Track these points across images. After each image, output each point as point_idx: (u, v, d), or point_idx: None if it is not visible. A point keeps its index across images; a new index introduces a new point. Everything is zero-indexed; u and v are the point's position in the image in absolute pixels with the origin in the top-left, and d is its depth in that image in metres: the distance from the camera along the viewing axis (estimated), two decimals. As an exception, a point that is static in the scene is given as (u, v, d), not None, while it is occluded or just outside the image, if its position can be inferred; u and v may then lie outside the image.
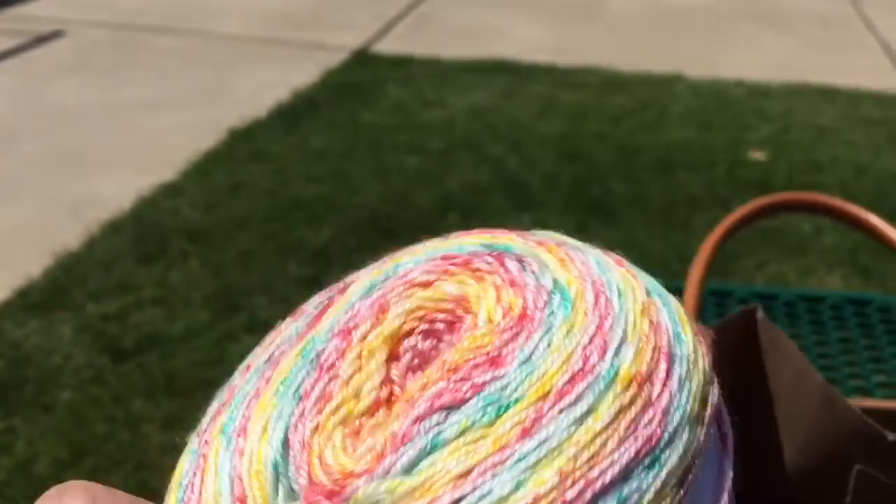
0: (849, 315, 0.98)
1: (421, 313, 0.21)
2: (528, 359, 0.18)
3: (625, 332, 0.19)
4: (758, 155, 2.80)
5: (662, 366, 0.19)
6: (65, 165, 2.66)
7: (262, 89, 3.23)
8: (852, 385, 0.86)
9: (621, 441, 0.17)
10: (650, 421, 0.18)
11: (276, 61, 3.54)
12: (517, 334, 0.19)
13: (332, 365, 0.20)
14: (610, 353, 0.18)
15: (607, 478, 0.17)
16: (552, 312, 0.19)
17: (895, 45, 3.92)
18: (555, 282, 0.21)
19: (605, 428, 0.17)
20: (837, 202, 0.79)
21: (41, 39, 3.61)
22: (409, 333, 0.20)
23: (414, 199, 2.44)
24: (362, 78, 3.31)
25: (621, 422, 0.17)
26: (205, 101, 3.13)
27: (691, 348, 0.20)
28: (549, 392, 0.17)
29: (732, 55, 3.75)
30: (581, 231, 2.31)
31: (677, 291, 0.94)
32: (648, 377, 0.18)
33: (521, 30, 4.00)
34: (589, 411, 0.17)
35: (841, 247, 2.26)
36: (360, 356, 0.20)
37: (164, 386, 1.75)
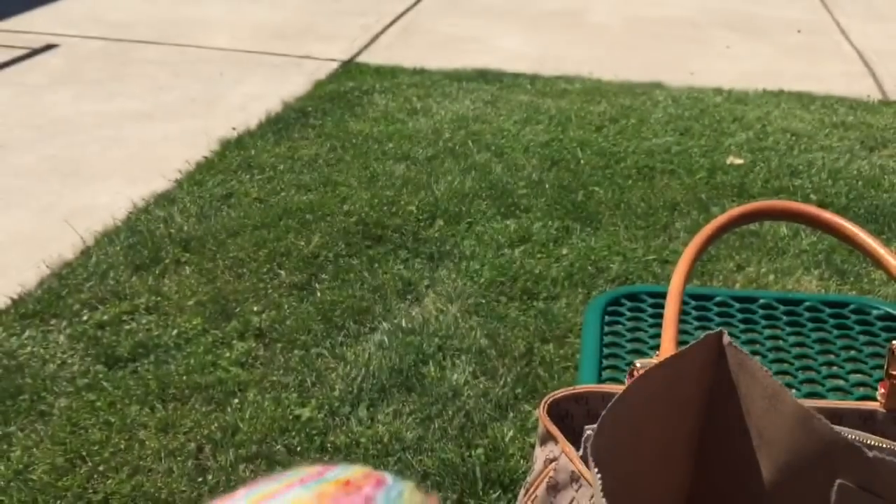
0: (826, 317, 1.01)
1: None
2: None
3: None
4: (736, 160, 2.87)
5: None
6: (58, 176, 2.70)
7: (251, 100, 3.27)
8: (830, 384, 0.88)
9: None
10: None
11: (266, 72, 3.59)
12: None
13: None
14: None
15: None
16: None
17: (868, 51, 4.02)
18: None
19: None
20: (813, 210, 0.83)
21: (34, 52, 3.64)
22: None
23: (402, 206, 2.48)
24: (351, 88, 3.36)
25: None
26: (196, 112, 3.17)
27: None
28: None
29: (710, 63, 3.83)
30: (565, 235, 2.37)
31: (660, 295, 1.00)
32: None
33: (504, 40, 4.07)
34: None
35: (818, 248, 2.32)
36: None
37: (159, 392, 1.77)
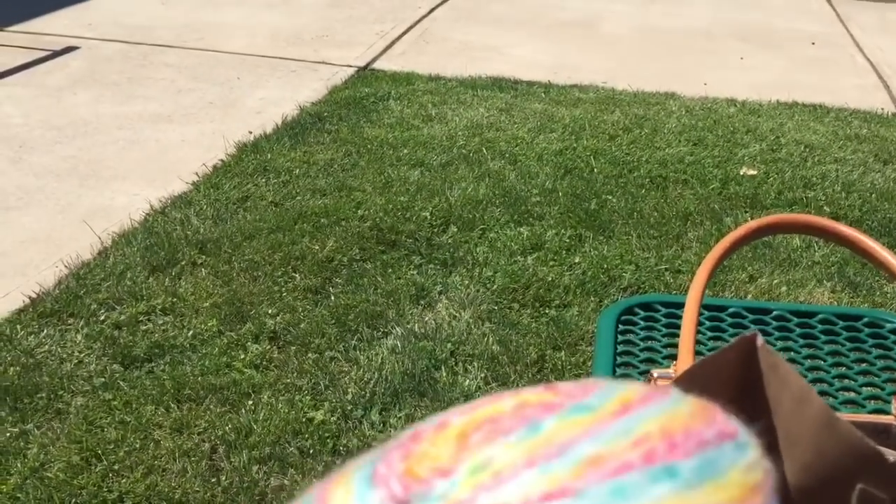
0: (839, 329, 1.01)
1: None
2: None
3: None
4: (749, 171, 2.87)
5: None
6: (77, 177, 2.73)
7: (268, 104, 3.30)
8: (843, 398, 0.89)
9: None
10: None
11: (282, 77, 3.62)
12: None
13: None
14: None
15: None
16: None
17: (882, 64, 4.01)
18: None
19: None
20: (830, 223, 0.83)
21: (55, 54, 3.69)
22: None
23: (416, 212, 2.50)
24: (366, 94, 3.39)
25: None
26: (213, 116, 3.21)
27: None
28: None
29: (724, 74, 3.83)
30: (577, 244, 2.38)
31: (673, 305, 1.01)
32: None
33: (519, 49, 4.08)
34: None
35: (830, 261, 2.32)
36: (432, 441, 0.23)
37: (174, 392, 1.79)
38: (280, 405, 1.75)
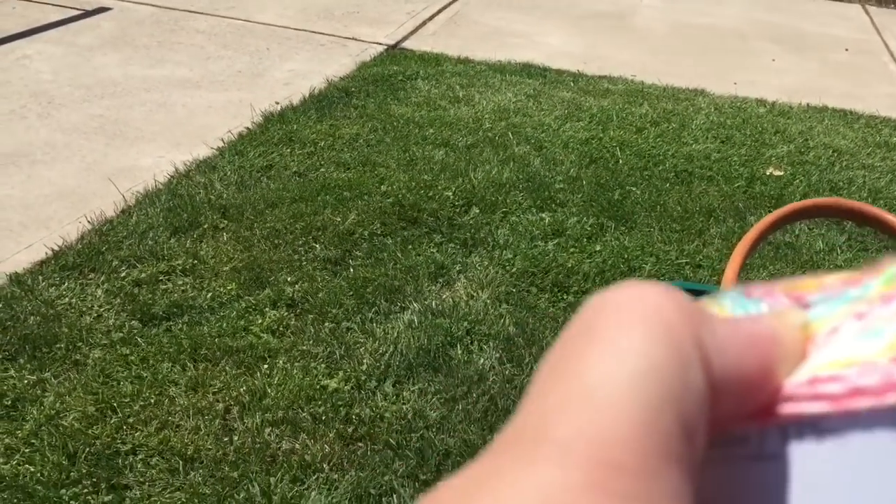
0: None
1: None
2: None
3: None
4: (776, 171, 2.85)
5: None
6: (104, 136, 2.74)
7: (296, 77, 3.30)
8: None
9: None
10: None
11: (311, 51, 3.62)
12: None
13: None
14: None
15: None
16: None
17: (918, 75, 3.96)
18: None
19: None
20: (875, 210, 0.81)
21: (87, 14, 3.70)
22: None
23: (439, 191, 2.50)
24: (394, 72, 3.38)
25: None
26: (241, 84, 3.21)
27: None
28: None
29: (755, 75, 3.79)
30: (599, 232, 2.37)
31: (697, 293, 1.01)
32: None
33: (550, 37, 4.06)
34: None
35: (853, 266, 2.30)
36: None
37: (191, 351, 1.80)
38: (295, 371, 1.76)
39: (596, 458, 0.16)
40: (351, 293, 2.02)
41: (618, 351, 0.17)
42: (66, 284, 1.99)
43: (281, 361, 1.79)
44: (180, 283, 2.03)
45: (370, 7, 4.25)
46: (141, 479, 1.51)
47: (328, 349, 1.84)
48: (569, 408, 0.16)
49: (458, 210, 2.41)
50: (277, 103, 3.02)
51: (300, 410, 1.66)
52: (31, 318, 1.87)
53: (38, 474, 1.50)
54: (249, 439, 1.60)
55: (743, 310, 0.21)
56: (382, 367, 1.79)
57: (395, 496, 1.49)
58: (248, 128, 2.82)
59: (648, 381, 0.17)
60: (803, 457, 0.20)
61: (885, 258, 0.20)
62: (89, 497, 1.47)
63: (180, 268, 2.07)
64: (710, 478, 0.20)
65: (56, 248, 2.11)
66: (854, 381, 0.19)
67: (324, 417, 1.66)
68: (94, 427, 1.61)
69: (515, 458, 0.16)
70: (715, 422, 0.19)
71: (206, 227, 2.24)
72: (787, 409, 0.20)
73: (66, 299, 1.95)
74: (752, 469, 0.20)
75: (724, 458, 0.20)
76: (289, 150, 2.69)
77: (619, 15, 4.52)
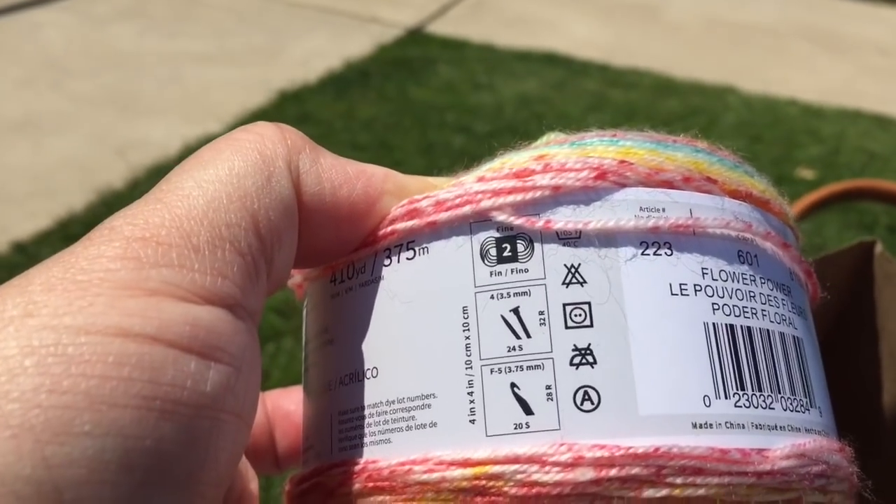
0: None
1: None
2: None
3: None
4: (806, 173, 2.75)
5: None
6: (114, 107, 2.68)
7: (313, 55, 3.23)
8: None
9: None
10: None
11: (330, 30, 3.54)
12: None
13: None
14: None
15: None
16: None
17: (956, 80, 3.84)
18: None
19: None
20: None
21: (103, -18, 3.64)
22: None
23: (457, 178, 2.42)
24: (415, 55, 3.30)
25: None
26: (257, 61, 3.14)
27: None
28: None
29: (787, 73, 3.68)
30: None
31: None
32: None
33: (576, 25, 3.96)
34: None
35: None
36: None
37: (193, 330, 1.74)
38: (301, 353, 1.69)
39: (138, 237, 0.18)
40: (362, 278, 1.94)
41: (200, 163, 0.21)
42: (68, 256, 1.93)
43: (287, 343, 1.72)
44: (186, 259, 1.96)
45: (393, -11, 4.17)
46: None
47: (336, 335, 1.76)
48: (145, 207, 0.19)
49: (476, 197, 2.33)
50: (293, 82, 2.95)
51: (304, 397, 1.60)
52: (30, 288, 1.81)
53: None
54: (249, 425, 1.53)
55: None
56: (392, 355, 1.72)
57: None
58: (262, 105, 2.75)
59: (221, 183, 0.20)
60: (395, 271, 0.22)
61: None
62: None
63: (186, 244, 2.01)
64: (342, 308, 0.22)
65: (62, 218, 2.05)
66: (443, 197, 0.22)
67: (328, 406, 1.59)
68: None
69: (87, 243, 0.19)
70: (332, 247, 0.22)
71: (215, 203, 2.17)
72: (386, 230, 0.22)
73: (68, 271, 1.89)
74: (367, 294, 0.22)
75: (350, 288, 0.23)
76: (304, 130, 2.58)
77: (648, 6, 4.42)
